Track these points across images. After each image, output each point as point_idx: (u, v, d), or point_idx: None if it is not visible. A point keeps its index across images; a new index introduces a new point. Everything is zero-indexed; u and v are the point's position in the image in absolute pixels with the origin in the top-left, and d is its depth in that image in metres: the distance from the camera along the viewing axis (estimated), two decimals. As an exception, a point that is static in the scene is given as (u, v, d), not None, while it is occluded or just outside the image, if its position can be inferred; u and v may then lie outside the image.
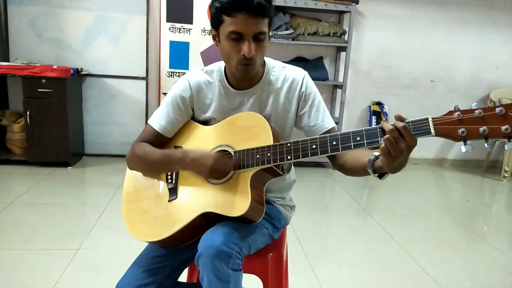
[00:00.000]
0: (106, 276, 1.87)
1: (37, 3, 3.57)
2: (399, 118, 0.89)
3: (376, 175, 1.01)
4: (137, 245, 1.18)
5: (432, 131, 0.87)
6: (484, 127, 0.83)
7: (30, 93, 3.29)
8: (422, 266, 2.18)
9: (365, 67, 4.20)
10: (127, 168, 1.27)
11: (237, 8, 1.03)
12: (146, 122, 1.27)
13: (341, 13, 3.96)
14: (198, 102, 1.24)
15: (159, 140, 1.23)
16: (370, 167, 1.00)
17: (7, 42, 3.61)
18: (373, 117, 4.19)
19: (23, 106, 3.31)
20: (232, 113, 1.21)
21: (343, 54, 3.98)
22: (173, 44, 3.65)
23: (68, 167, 3.49)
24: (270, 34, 1.17)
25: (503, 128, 0.82)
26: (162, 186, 1.20)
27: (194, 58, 3.69)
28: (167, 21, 3.61)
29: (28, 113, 3.29)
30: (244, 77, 1.16)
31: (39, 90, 3.27)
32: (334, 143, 0.99)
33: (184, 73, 3.66)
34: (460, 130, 0.85)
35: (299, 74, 1.24)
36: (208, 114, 1.24)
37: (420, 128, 0.88)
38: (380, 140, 0.91)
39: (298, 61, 3.98)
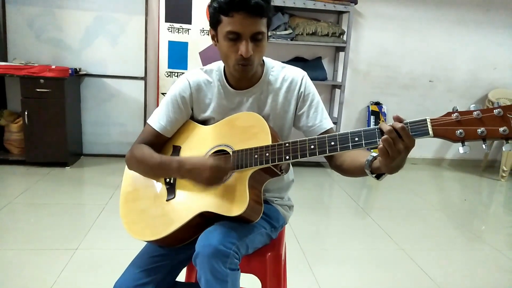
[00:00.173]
0: (104, 276, 1.87)
1: (35, 3, 3.57)
2: (397, 119, 0.90)
3: (374, 175, 1.01)
4: (135, 244, 1.18)
5: (430, 132, 0.87)
6: (482, 128, 0.84)
7: (28, 93, 3.28)
8: (420, 265, 2.18)
9: (363, 67, 4.21)
10: (125, 167, 1.27)
11: (235, 8, 1.03)
12: (145, 122, 1.27)
13: (340, 13, 3.96)
14: (198, 101, 1.24)
15: (158, 139, 1.23)
16: (368, 168, 1.00)
17: (6, 42, 3.60)
18: (372, 117, 4.20)
19: (21, 106, 3.31)
20: (231, 112, 1.21)
21: (341, 54, 3.98)
22: (171, 44, 3.65)
23: (66, 167, 3.49)
24: (269, 34, 1.17)
25: (501, 129, 0.82)
26: (160, 185, 1.20)
27: (193, 58, 3.69)
28: (166, 21, 3.61)
29: (26, 113, 3.29)
30: (242, 77, 1.16)
31: (37, 90, 3.27)
32: (333, 143, 0.99)
33: (182, 73, 3.66)
34: (458, 132, 0.85)
35: (298, 74, 1.24)
36: (207, 113, 1.24)
37: (418, 129, 0.88)
38: (378, 140, 0.91)
39: (296, 61, 3.98)
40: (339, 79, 4.03)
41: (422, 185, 3.90)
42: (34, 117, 3.32)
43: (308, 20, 3.81)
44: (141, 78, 3.81)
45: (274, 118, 1.23)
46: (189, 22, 3.63)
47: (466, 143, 0.86)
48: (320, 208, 3.11)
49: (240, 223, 1.10)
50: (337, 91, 4.06)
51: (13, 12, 3.57)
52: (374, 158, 1.00)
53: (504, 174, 4.04)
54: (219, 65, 1.25)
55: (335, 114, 4.07)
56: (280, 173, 1.14)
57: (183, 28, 3.64)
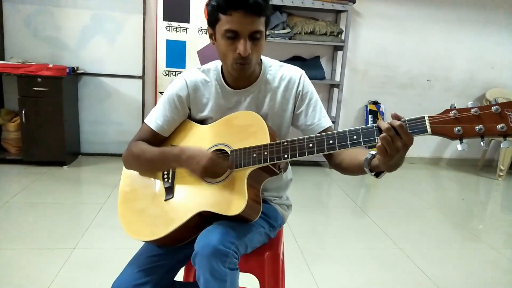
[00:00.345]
0: (102, 276, 1.87)
1: (33, 2, 3.55)
2: (396, 117, 0.90)
3: (373, 173, 1.01)
4: (133, 244, 1.18)
5: (429, 129, 0.87)
6: (480, 125, 0.84)
7: (26, 92, 3.27)
8: (418, 264, 2.19)
9: (361, 66, 4.21)
10: (123, 167, 1.26)
11: (233, 6, 1.03)
12: (143, 121, 1.26)
13: (338, 12, 3.96)
14: (195, 101, 1.24)
15: (155, 139, 1.23)
16: (366, 166, 1.00)
17: (3, 40, 3.58)
18: (370, 116, 4.20)
19: (18, 105, 3.29)
20: (229, 112, 1.21)
21: (340, 53, 3.98)
22: (169, 43, 3.64)
23: (64, 166, 3.48)
24: (267, 33, 1.17)
25: (499, 126, 0.82)
26: (158, 185, 1.19)
27: (191, 57, 3.68)
28: (164, 20, 3.60)
29: (23, 112, 3.27)
30: (240, 76, 1.15)
31: (35, 89, 3.25)
32: (331, 141, 0.99)
33: (180, 72, 3.65)
34: (456, 129, 0.85)
35: (296, 73, 1.24)
36: (205, 113, 1.24)
37: (416, 126, 0.88)
38: (377, 138, 0.91)
39: (295, 60, 3.98)
40: (337, 78, 4.03)
41: (420, 184, 3.91)
42: (31, 116, 3.31)
43: (306, 19, 3.81)
44: (139, 77, 3.80)
45: (272, 117, 1.23)
46: (187, 21, 3.63)
47: (464, 140, 0.86)
48: (318, 207, 3.11)
49: (238, 223, 1.09)
50: (335, 90, 4.07)
51: (10, 11, 3.55)
52: (373, 156, 1.00)
53: (501, 173, 4.05)
54: (216, 64, 1.24)
55: (333, 113, 4.07)
56: (278, 172, 1.14)
57: (181, 27, 3.63)
